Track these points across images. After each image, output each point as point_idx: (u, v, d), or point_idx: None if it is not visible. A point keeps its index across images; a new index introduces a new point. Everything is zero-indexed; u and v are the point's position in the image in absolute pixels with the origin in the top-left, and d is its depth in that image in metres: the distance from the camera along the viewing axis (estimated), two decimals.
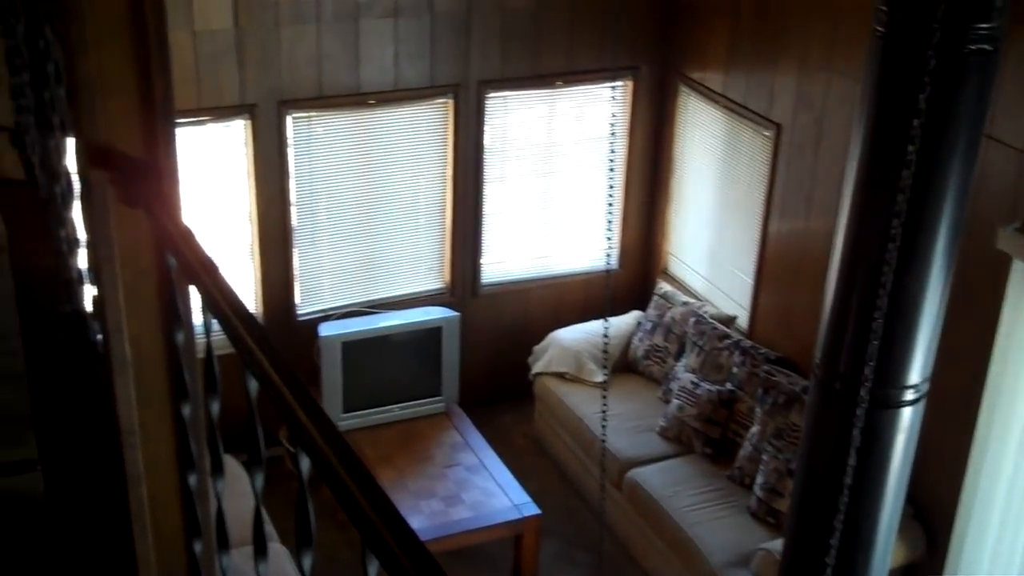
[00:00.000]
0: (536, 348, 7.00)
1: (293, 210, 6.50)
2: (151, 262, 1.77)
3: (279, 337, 6.49)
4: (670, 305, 6.78)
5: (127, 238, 1.76)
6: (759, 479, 5.66)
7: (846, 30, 5.62)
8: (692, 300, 6.79)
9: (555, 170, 7.12)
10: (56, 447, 2.40)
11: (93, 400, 2.63)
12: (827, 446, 2.77)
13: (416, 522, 5.58)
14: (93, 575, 2.22)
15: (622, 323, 6.92)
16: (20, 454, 2.24)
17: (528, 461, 6.73)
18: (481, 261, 7.10)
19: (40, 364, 2.33)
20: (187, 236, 1.59)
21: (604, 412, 4.84)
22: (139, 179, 1.68)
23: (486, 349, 7.19)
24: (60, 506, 2.34)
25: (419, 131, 6.69)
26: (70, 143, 2.61)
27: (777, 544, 5.00)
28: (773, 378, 5.83)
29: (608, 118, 6.78)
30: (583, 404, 6.49)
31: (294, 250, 6.58)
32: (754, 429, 5.82)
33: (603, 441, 5.37)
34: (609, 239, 5.65)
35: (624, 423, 6.28)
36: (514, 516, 5.84)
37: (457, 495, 5.93)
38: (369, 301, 6.85)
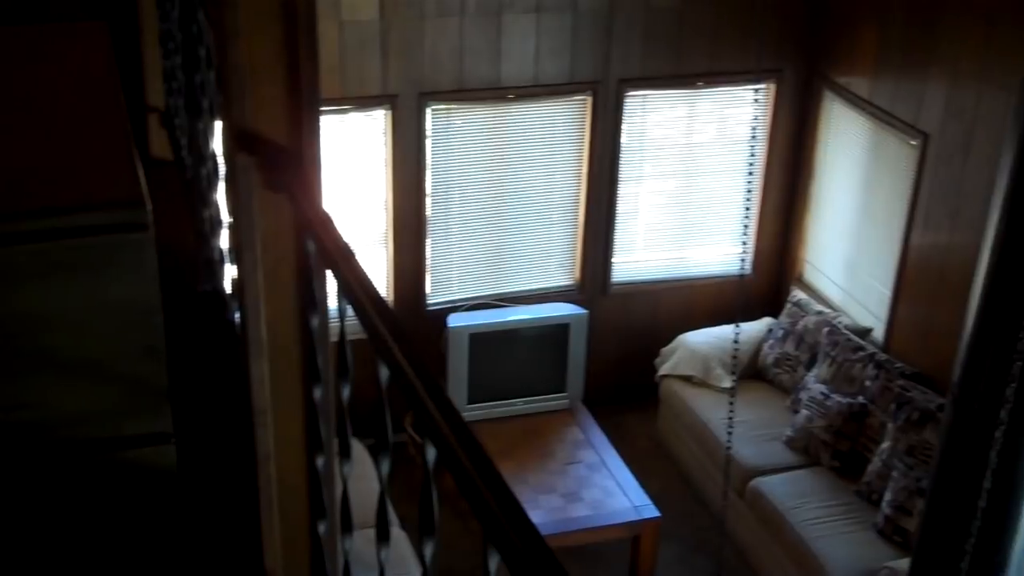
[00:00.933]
0: (664, 350, 6.94)
1: (428, 201, 6.57)
2: (290, 247, 1.80)
3: (408, 326, 6.56)
4: (804, 313, 6.65)
5: (268, 222, 1.79)
6: (887, 496, 5.51)
7: (1000, 40, 5.43)
8: (827, 310, 6.65)
9: (691, 171, 7.05)
10: (190, 422, 2.47)
11: (228, 379, 2.69)
12: (962, 467, 2.68)
13: (535, 517, 5.55)
14: (219, 548, 2.27)
15: (753, 329, 6.82)
16: (156, 426, 2.30)
17: (650, 463, 6.68)
18: (612, 259, 7.07)
19: (179, 341, 2.40)
20: (326, 222, 1.61)
21: (730, 418, 4.78)
22: (283, 165, 1.71)
23: (613, 348, 7.16)
24: (191, 479, 2.40)
25: (556, 127, 6.69)
26: (217, 127, 2.68)
27: (903, 564, 4.86)
28: (908, 393, 5.67)
29: (749, 121, 6.68)
30: (709, 409, 6.41)
31: (427, 240, 6.65)
32: (885, 445, 5.67)
33: (728, 447, 5.29)
34: (744, 244, 5.57)
35: (750, 431, 6.19)
36: (633, 517, 5.80)
37: (576, 492, 5.92)
38: (498, 294, 6.88)
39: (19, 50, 3.04)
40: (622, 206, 6.97)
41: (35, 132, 2.55)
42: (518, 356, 6.53)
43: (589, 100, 6.65)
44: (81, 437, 2.26)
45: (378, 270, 6.61)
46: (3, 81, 2.81)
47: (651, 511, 5.81)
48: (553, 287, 7.02)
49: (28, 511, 2.30)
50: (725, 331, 6.47)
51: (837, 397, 6.02)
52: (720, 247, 7.22)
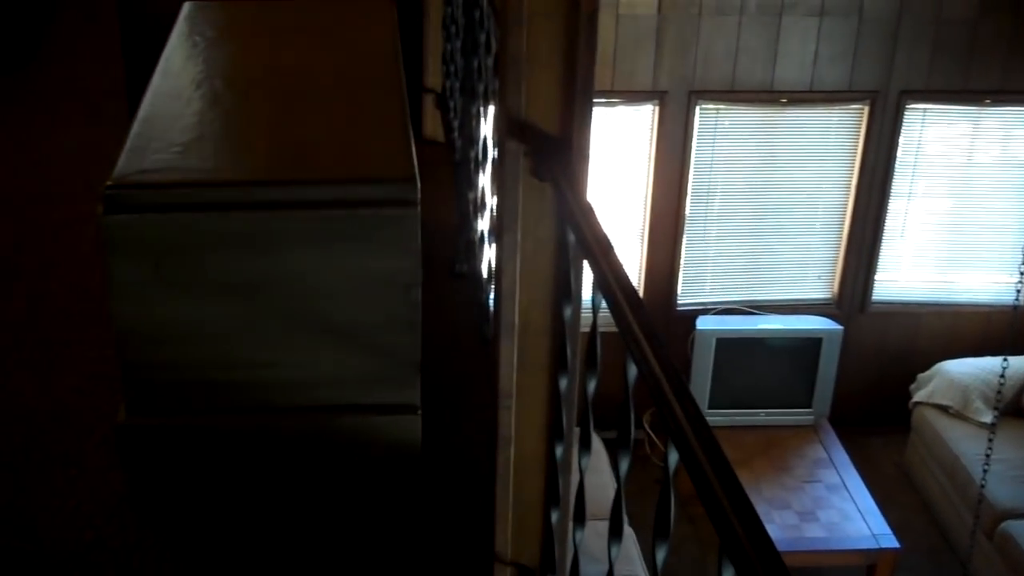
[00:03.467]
0: (920, 376, 6.64)
1: (687, 200, 6.51)
2: (550, 235, 1.81)
3: (656, 324, 6.54)
4: None
5: (531, 209, 1.81)
6: None
7: None
8: None
9: (968, 192, 6.71)
10: (437, 398, 2.53)
11: (477, 360, 2.75)
12: None
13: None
14: (450, 526, 2.32)
15: (1022, 364, 6.43)
16: (404, 397, 2.37)
17: (893, 491, 6.41)
18: (874, 277, 6.81)
19: (433, 317, 2.46)
20: (588, 213, 1.61)
21: (988, 455, 4.52)
22: (551, 154, 1.72)
23: (866, 368, 6.89)
24: (432, 453, 2.46)
25: (828, 135, 6.50)
26: (490, 111, 2.73)
27: None
28: None
29: None
30: (963, 442, 6.09)
31: (683, 240, 6.59)
32: None
33: (982, 486, 5.02)
34: (1022, 273, 5.25)
35: (1008, 470, 5.84)
36: (870, 545, 5.59)
37: (813, 512, 5.75)
38: (750, 301, 6.75)
39: (309, 23, 3.19)
40: (890, 222, 6.70)
41: (319, 104, 2.67)
42: (765, 365, 6.39)
43: (866, 110, 6.42)
44: (332, 401, 2.35)
45: (631, 265, 6.60)
46: (292, 53, 2.95)
47: (890, 541, 5.58)
48: (808, 299, 6.82)
49: (273, 469, 2.42)
50: (990, 363, 6.13)
51: None
52: (992, 274, 6.84)
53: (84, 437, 2.54)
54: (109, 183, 2.18)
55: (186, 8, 3.17)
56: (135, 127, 2.43)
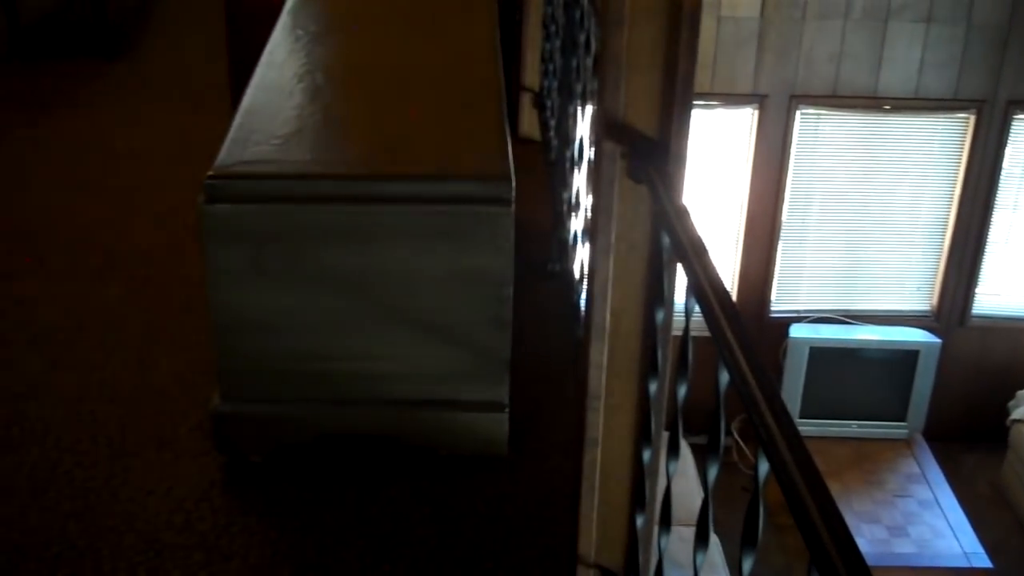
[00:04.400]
0: (1020, 393, 6.47)
1: (784, 206, 6.42)
2: (644, 237, 1.79)
3: (748, 330, 6.47)
4: None
5: (626, 210, 1.80)
6: None
7: None
8: None
9: None
10: (525, 396, 2.53)
11: (566, 360, 2.74)
12: None
13: None
14: (536, 522, 2.32)
15: None
16: (493, 395, 2.37)
17: (988, 510, 6.25)
18: (975, 290, 6.65)
19: (524, 316, 2.46)
20: (683, 217, 1.59)
21: None
22: (648, 156, 1.71)
23: (963, 382, 6.74)
24: (518, 451, 2.46)
25: (932, 144, 6.36)
26: (587, 112, 2.72)
27: None
28: None
29: None
30: None
31: (778, 246, 6.51)
32: None
33: None
34: None
35: None
36: (961, 564, 5.47)
37: (903, 527, 5.64)
38: (846, 310, 6.64)
39: (411, 19, 3.21)
40: (993, 235, 6.54)
41: (417, 99, 2.69)
42: (859, 376, 6.28)
43: (972, 119, 6.27)
44: (421, 395, 2.37)
45: (725, 270, 6.54)
46: (393, 48, 2.98)
47: (982, 560, 5.45)
48: (906, 311, 6.69)
49: (361, 460, 2.44)
50: None
51: None
52: None
53: (179, 421, 2.59)
54: (210, 173, 2.22)
55: (290, 2, 3.22)
56: (237, 118, 2.48)
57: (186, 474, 2.42)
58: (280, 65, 2.78)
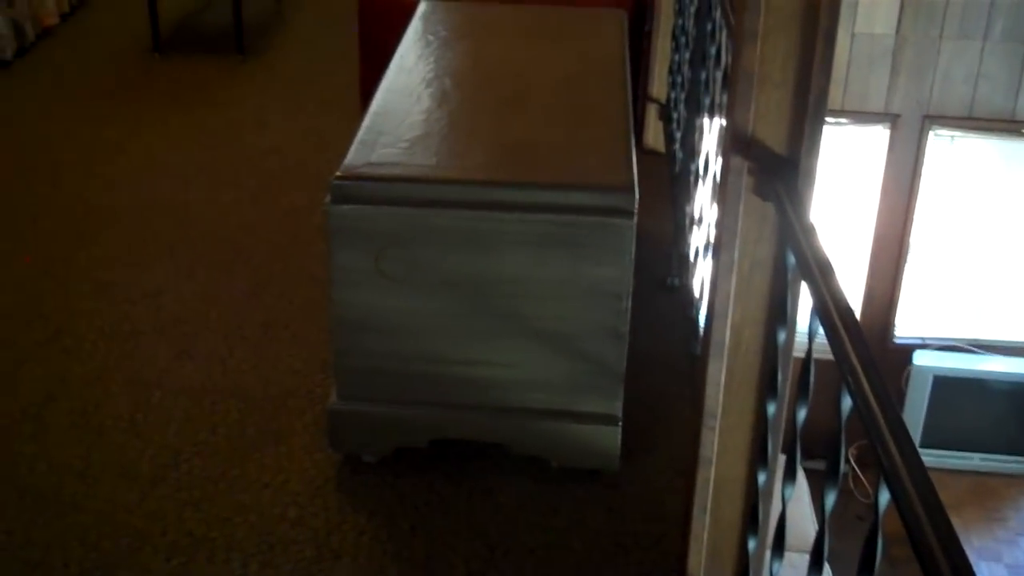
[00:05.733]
0: None
1: (913, 228, 6.26)
2: (769, 254, 1.77)
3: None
4: None
5: (750, 226, 1.77)
6: None
7: None
8: None
9: None
10: (639, 410, 2.51)
11: (682, 375, 2.71)
12: None
13: None
14: (645, 538, 2.30)
15: None
16: (607, 408, 2.36)
17: None
18: None
19: (641, 329, 2.44)
20: (810, 235, 1.56)
21: None
22: (776, 173, 1.68)
23: None
24: (630, 465, 2.44)
25: None
26: (714, 126, 2.69)
27: None
28: None
29: None
30: None
31: (904, 269, 6.35)
32: None
33: None
34: None
35: None
36: None
37: None
38: (974, 339, 6.44)
39: (541, 27, 3.22)
40: None
41: (544, 107, 2.69)
42: (984, 408, 6.08)
43: None
44: (535, 404, 2.36)
45: (850, 292, 6.39)
46: (522, 55, 2.99)
47: None
48: None
49: (472, 465, 2.45)
50: None
51: None
52: None
53: (296, 417, 2.63)
54: (337, 173, 2.25)
55: (422, 7, 3.25)
56: (366, 120, 2.51)
57: (301, 469, 2.46)
58: (410, 69, 2.81)
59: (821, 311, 1.45)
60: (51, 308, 3.10)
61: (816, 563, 1.47)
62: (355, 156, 2.33)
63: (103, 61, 5.13)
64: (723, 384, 1.86)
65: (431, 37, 3.05)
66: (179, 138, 4.28)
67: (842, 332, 1.37)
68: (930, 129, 6.05)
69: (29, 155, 4.12)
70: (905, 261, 6.32)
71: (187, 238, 3.50)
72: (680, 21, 3.70)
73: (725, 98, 2.27)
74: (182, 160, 4.08)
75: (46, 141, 4.24)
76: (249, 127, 4.42)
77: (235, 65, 5.09)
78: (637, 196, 2.22)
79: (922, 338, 6.43)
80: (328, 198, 2.23)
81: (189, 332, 2.99)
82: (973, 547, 5.49)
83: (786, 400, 1.78)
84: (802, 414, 1.56)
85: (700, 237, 2.84)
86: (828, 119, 6.55)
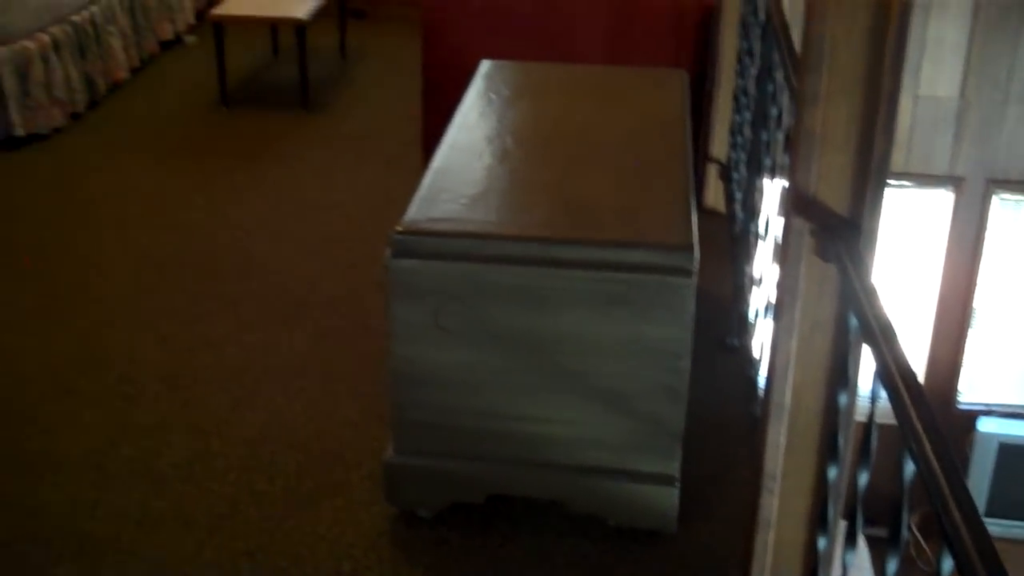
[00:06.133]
0: None
1: (977, 292, 6.18)
2: (830, 316, 1.75)
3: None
4: None
5: (811, 288, 1.76)
6: None
7: None
8: None
9: None
10: (697, 471, 2.49)
11: (741, 437, 2.69)
12: None
13: None
14: None
15: None
16: (664, 468, 2.34)
17: None
18: None
19: (700, 389, 2.43)
20: (873, 298, 1.55)
21: None
22: (838, 235, 1.67)
23: None
24: (687, 527, 2.42)
25: None
26: (775, 187, 2.69)
27: None
28: None
29: None
30: None
31: (968, 334, 6.25)
32: None
33: None
34: None
35: None
36: None
37: None
38: None
39: (602, 86, 3.24)
40: None
41: (604, 165, 2.70)
42: None
43: None
44: (591, 462, 2.35)
45: (913, 356, 6.31)
46: (583, 114, 3.01)
47: None
48: None
49: (527, 522, 2.43)
50: None
51: None
52: None
53: (352, 469, 2.64)
54: (398, 228, 2.27)
55: (484, 66, 3.29)
56: (428, 176, 2.53)
57: (356, 522, 2.46)
58: (472, 127, 2.84)
59: (883, 374, 1.43)
60: (114, 356, 3.14)
61: None
62: (416, 211, 2.35)
63: (171, 114, 5.24)
64: (783, 446, 1.84)
65: (493, 95, 3.08)
66: (244, 191, 4.35)
67: (905, 396, 1.36)
68: (994, 193, 5.98)
69: (96, 205, 4.21)
70: (969, 326, 6.23)
71: (249, 290, 3.54)
72: (741, 82, 3.71)
73: (786, 159, 2.27)
74: (246, 213, 4.15)
75: (114, 192, 4.33)
76: (312, 181, 4.48)
77: (300, 120, 5.17)
78: (697, 255, 2.22)
79: (987, 404, 6.31)
80: (389, 252, 2.25)
81: (248, 382, 3.01)
82: None
83: (848, 464, 1.76)
84: (864, 479, 1.54)
85: (760, 298, 2.82)
86: (892, 182, 6.52)
